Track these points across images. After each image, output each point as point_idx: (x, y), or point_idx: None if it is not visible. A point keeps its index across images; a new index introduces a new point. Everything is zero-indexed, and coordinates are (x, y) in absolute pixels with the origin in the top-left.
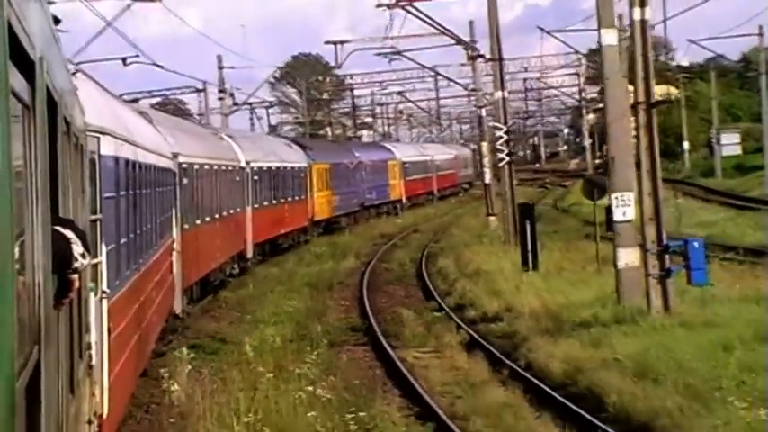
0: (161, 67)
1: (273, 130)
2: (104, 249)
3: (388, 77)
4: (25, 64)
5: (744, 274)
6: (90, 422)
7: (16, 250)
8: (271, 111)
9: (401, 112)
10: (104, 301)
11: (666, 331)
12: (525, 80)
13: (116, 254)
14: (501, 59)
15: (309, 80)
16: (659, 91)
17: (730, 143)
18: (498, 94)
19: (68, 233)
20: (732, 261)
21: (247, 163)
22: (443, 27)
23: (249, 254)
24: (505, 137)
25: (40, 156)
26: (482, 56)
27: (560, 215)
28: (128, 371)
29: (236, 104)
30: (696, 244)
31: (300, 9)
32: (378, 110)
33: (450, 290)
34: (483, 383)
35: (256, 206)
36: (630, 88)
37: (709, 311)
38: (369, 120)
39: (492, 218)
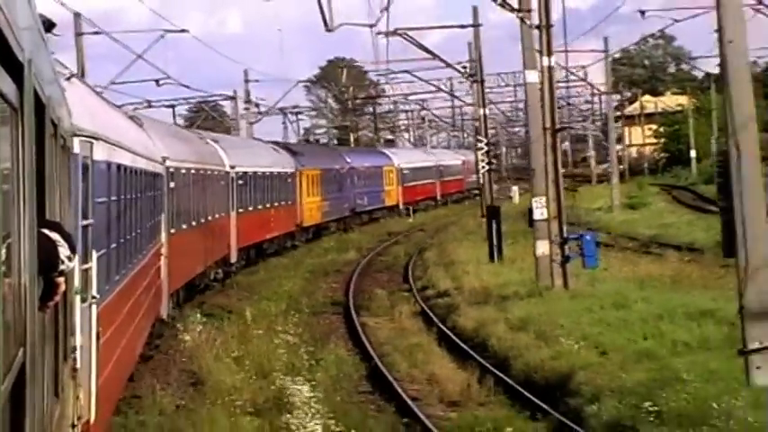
0: (187, 87)
1: (307, 133)
2: (95, 255)
3: (413, 87)
4: (13, 66)
5: (640, 262)
6: (74, 426)
7: (2, 252)
8: (305, 115)
9: (423, 119)
10: (94, 307)
11: (558, 301)
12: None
13: (106, 259)
14: (482, 81)
15: (340, 85)
16: (676, 101)
17: None
18: (480, 111)
19: (55, 235)
20: (636, 252)
21: (232, 167)
22: (433, 53)
23: (233, 258)
24: (486, 148)
25: (27, 158)
26: (472, 75)
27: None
28: (116, 376)
29: (260, 113)
30: (588, 237)
31: (344, 13)
32: (403, 116)
33: (422, 275)
34: (413, 336)
35: (241, 211)
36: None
37: (595, 288)
38: (398, 125)
39: (485, 218)
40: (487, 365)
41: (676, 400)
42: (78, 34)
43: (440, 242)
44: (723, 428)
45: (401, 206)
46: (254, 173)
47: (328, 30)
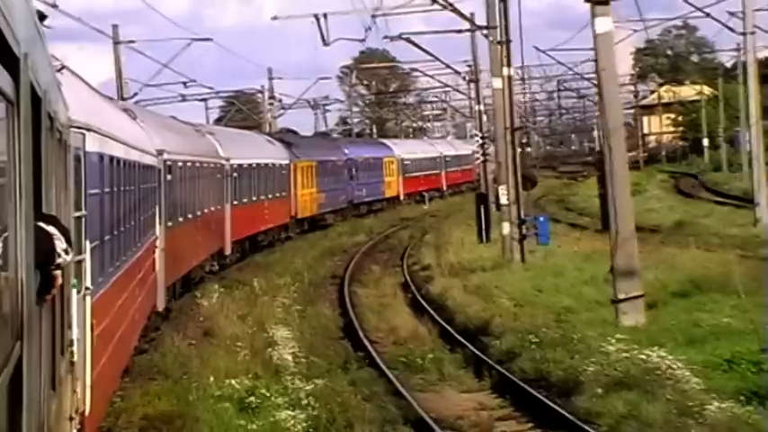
0: (212, 88)
1: (343, 123)
2: (88, 246)
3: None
4: (10, 60)
5: (595, 240)
6: (71, 419)
7: None
8: (338, 106)
9: (444, 109)
10: (88, 298)
11: (512, 271)
12: (559, 81)
13: (100, 251)
14: (477, 81)
15: (372, 75)
16: (696, 90)
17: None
18: (476, 107)
19: (51, 229)
20: (599, 232)
21: (227, 160)
22: (434, 56)
23: (228, 251)
24: (481, 141)
25: (23, 151)
26: (474, 80)
27: (546, 202)
28: (111, 368)
29: (283, 107)
30: (542, 219)
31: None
32: (429, 107)
33: (415, 254)
34: (390, 299)
35: (236, 203)
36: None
37: (546, 261)
38: (425, 115)
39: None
40: (437, 318)
41: (552, 335)
42: (116, 43)
43: (441, 226)
44: (571, 347)
45: (402, 197)
46: (249, 165)
47: (326, 44)
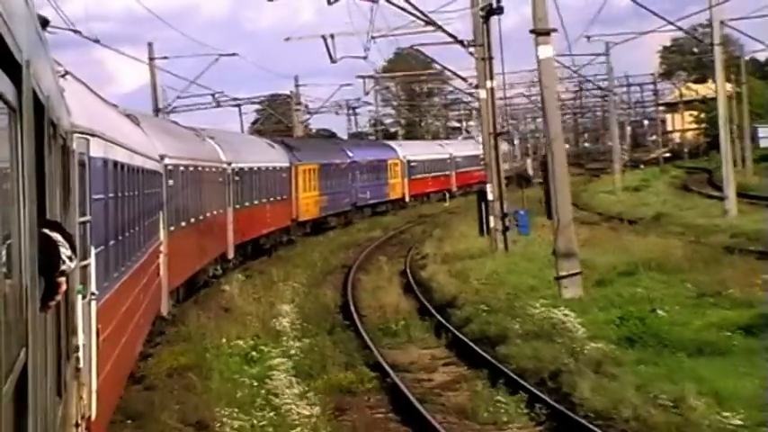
0: (236, 99)
1: (376, 124)
2: (93, 251)
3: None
4: (12, 67)
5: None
6: (77, 425)
7: (3, 253)
8: (369, 108)
9: (472, 109)
10: (93, 304)
11: (494, 258)
12: (581, 81)
13: (105, 256)
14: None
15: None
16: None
17: (765, 136)
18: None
19: (56, 235)
20: (584, 223)
21: (228, 164)
22: (446, 67)
23: (230, 255)
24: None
25: (27, 158)
26: (477, 86)
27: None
28: (116, 373)
29: (308, 112)
30: (522, 212)
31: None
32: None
33: (420, 246)
34: (386, 283)
35: (237, 207)
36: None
37: (526, 249)
38: (455, 115)
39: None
40: (419, 296)
41: (500, 304)
42: (151, 59)
43: (451, 221)
44: (511, 313)
45: (407, 199)
46: (250, 168)
47: (333, 61)
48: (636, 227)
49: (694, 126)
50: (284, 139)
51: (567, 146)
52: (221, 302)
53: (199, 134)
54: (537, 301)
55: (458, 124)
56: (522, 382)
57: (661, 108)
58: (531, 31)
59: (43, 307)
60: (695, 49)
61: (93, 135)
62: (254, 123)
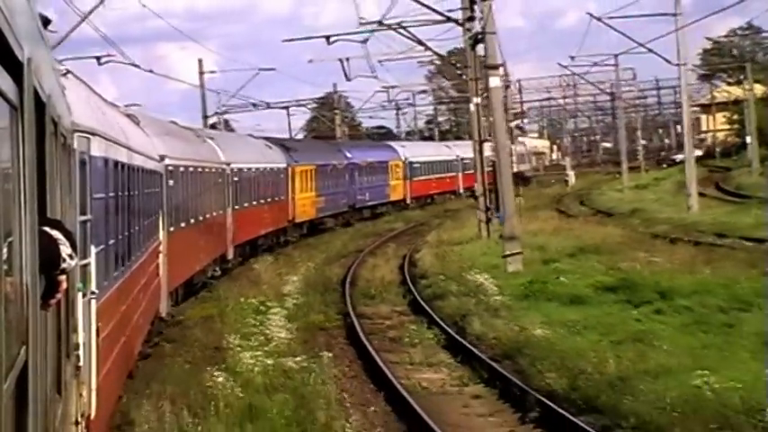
0: (268, 103)
1: (430, 123)
2: (93, 250)
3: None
4: (13, 65)
5: (557, 220)
6: (77, 423)
7: (4, 251)
8: (427, 105)
9: (523, 111)
10: (93, 302)
11: (476, 244)
12: (612, 84)
13: (105, 255)
14: (507, 80)
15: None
16: (742, 90)
17: None
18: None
19: (56, 234)
20: (572, 216)
21: (227, 164)
22: (460, 75)
23: (230, 255)
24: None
25: (27, 156)
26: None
27: (564, 196)
28: (116, 372)
29: (348, 113)
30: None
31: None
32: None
33: (426, 235)
34: (383, 262)
35: (236, 207)
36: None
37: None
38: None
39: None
40: (404, 271)
41: (453, 273)
42: (201, 73)
43: (459, 216)
44: (457, 280)
45: (408, 201)
46: (249, 169)
47: (348, 79)
48: (610, 219)
49: (727, 127)
50: (282, 140)
51: (610, 144)
52: (250, 277)
53: (199, 135)
54: (480, 274)
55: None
56: (440, 321)
57: (696, 109)
58: (485, 66)
59: (44, 305)
60: (734, 52)
61: (94, 134)
62: (311, 121)
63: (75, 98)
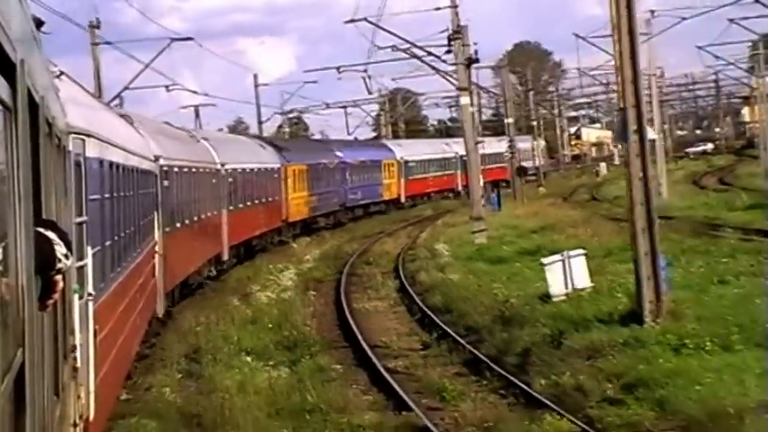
0: (345, 108)
1: (495, 116)
2: (90, 251)
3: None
4: (6, 66)
5: (547, 205)
6: (75, 425)
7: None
8: (489, 99)
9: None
10: (90, 304)
11: (467, 226)
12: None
13: (101, 256)
14: (506, 82)
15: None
16: None
17: None
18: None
19: (51, 234)
20: (565, 202)
21: (222, 165)
22: (480, 86)
23: (225, 256)
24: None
25: (22, 157)
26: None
27: (582, 186)
28: (113, 373)
29: (388, 118)
30: (493, 195)
31: None
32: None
33: (431, 222)
34: (393, 240)
35: (231, 208)
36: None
37: (494, 220)
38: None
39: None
40: (399, 248)
41: (428, 245)
42: (257, 86)
43: (461, 207)
44: (431, 252)
45: (404, 199)
46: (243, 169)
47: (370, 93)
48: (589, 204)
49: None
50: (274, 140)
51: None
52: (287, 252)
53: (193, 135)
54: (442, 244)
55: (575, 113)
56: (402, 276)
57: (738, 100)
58: (457, 88)
59: (41, 306)
60: None
61: (88, 135)
62: (378, 117)
63: (70, 100)
